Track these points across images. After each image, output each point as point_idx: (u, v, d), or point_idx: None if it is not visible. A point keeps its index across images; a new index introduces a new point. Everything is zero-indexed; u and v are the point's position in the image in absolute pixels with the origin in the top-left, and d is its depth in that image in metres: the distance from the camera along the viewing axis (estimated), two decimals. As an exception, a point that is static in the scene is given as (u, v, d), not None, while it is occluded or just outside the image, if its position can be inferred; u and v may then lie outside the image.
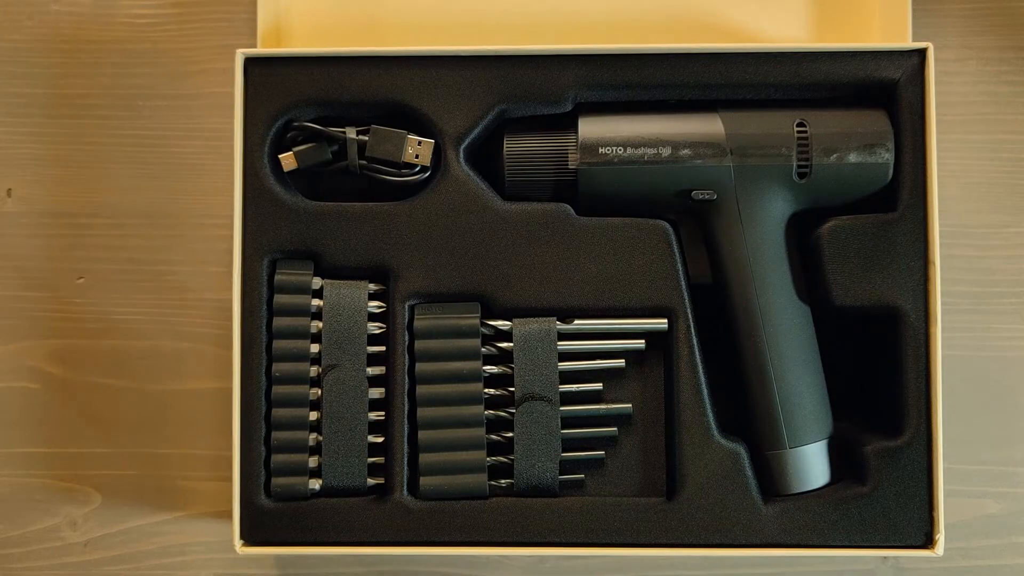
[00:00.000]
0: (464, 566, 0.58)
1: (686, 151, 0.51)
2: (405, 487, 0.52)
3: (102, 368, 0.58)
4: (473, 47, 0.52)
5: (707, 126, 0.52)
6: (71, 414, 0.58)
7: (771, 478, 0.52)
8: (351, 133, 0.53)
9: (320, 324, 0.52)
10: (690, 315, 0.52)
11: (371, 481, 0.52)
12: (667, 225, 0.53)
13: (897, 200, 0.52)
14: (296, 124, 0.53)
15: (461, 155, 0.53)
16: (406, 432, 0.52)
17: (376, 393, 0.53)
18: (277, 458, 0.52)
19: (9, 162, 0.59)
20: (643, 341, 0.53)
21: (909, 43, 0.53)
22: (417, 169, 0.53)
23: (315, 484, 0.52)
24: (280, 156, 0.53)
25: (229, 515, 0.52)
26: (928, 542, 0.51)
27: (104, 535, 0.58)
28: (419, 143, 0.53)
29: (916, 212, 0.51)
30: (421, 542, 0.51)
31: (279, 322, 0.52)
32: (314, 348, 0.52)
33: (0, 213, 0.59)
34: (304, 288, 0.52)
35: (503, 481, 0.53)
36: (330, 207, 0.53)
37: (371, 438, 0.52)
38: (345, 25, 0.57)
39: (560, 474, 0.53)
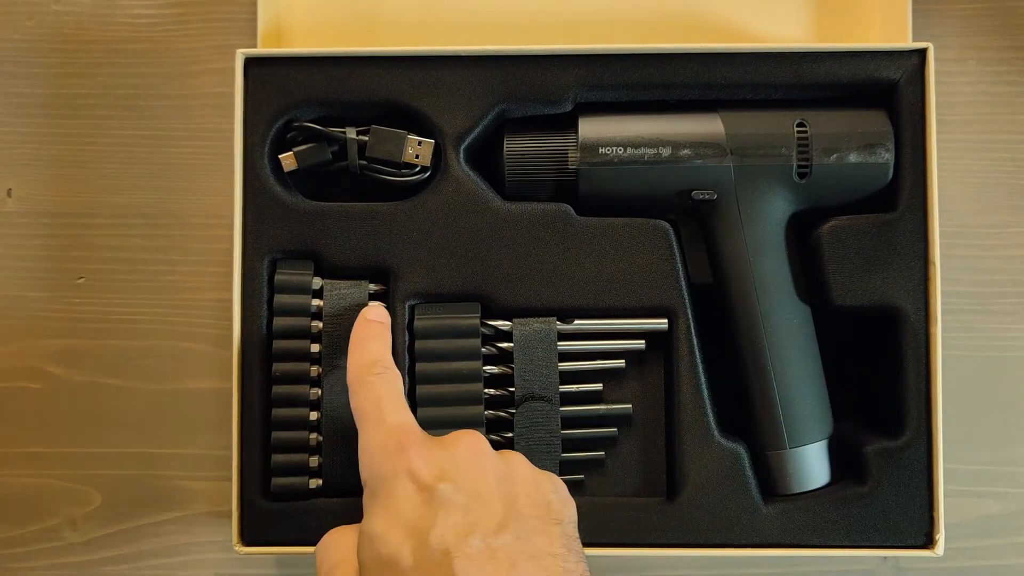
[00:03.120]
0: (464, 566, 0.58)
1: (686, 151, 0.51)
2: (405, 487, 0.52)
3: (102, 368, 0.58)
4: (473, 47, 0.52)
5: (707, 126, 0.52)
6: (71, 414, 0.58)
7: (771, 478, 0.52)
8: (351, 133, 0.53)
9: (320, 324, 0.52)
10: (690, 315, 0.52)
11: (371, 481, 0.52)
12: (667, 225, 0.53)
13: (897, 200, 0.52)
14: (296, 124, 0.53)
15: (461, 155, 0.53)
16: (406, 432, 0.52)
17: (376, 393, 0.52)
18: (277, 458, 0.52)
19: (9, 162, 0.59)
20: (643, 341, 0.53)
21: (909, 43, 0.53)
22: (417, 169, 0.53)
23: (315, 484, 0.52)
24: (280, 156, 0.53)
25: (229, 515, 0.52)
26: (928, 542, 0.51)
27: (104, 535, 0.58)
28: (419, 143, 0.53)
29: (916, 212, 0.52)
30: (421, 542, 0.51)
31: (279, 322, 0.52)
32: (314, 348, 0.52)
33: (0, 213, 0.59)
34: (304, 288, 0.52)
35: (503, 481, 0.53)
36: (330, 207, 0.53)
37: (371, 438, 0.52)
38: (345, 25, 0.57)
39: (560, 474, 0.52)
